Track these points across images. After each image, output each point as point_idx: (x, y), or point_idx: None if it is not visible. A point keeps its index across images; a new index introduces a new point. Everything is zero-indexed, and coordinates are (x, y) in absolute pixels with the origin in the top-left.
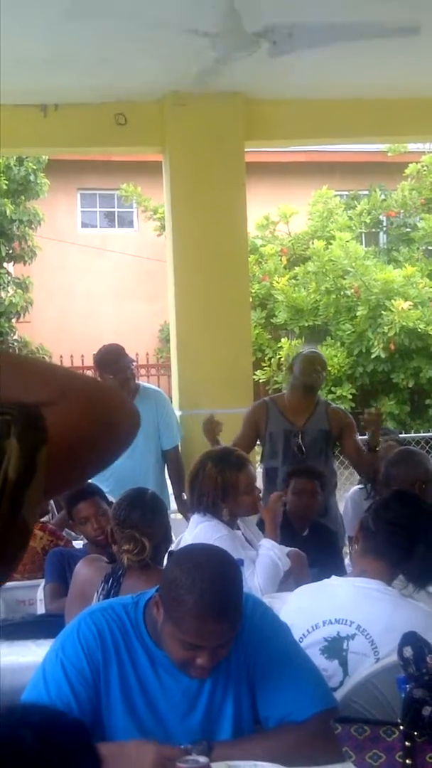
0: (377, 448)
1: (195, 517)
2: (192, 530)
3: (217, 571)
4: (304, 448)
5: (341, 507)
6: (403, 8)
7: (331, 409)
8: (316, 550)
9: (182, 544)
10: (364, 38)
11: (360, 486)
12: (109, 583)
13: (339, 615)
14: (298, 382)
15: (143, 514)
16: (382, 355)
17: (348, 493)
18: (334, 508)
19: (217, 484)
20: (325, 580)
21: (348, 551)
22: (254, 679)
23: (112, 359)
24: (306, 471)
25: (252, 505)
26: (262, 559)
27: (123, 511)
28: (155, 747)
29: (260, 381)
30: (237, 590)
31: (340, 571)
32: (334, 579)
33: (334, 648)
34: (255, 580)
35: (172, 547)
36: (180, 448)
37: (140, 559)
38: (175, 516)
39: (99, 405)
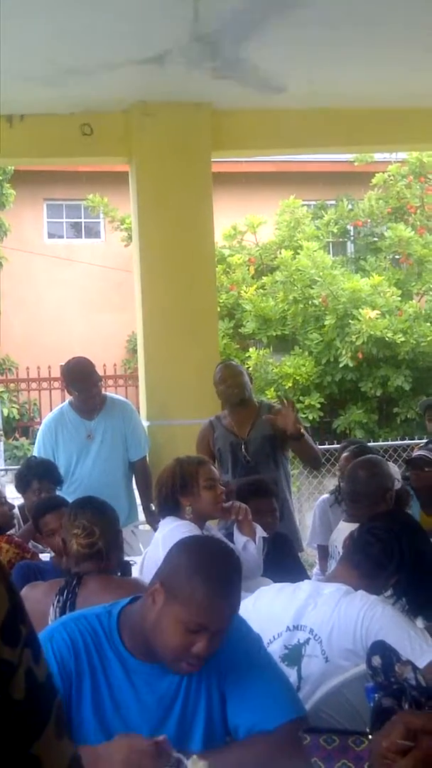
0: (300, 435)
1: (165, 519)
2: (162, 530)
3: (220, 553)
4: (248, 458)
5: (310, 516)
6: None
7: (273, 412)
8: (273, 560)
9: (152, 544)
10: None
11: (328, 494)
12: (64, 595)
13: (297, 621)
14: (226, 403)
15: (93, 512)
16: (350, 364)
17: (317, 501)
18: (289, 512)
19: (175, 475)
20: (289, 584)
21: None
22: (225, 688)
23: (81, 376)
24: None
25: (214, 503)
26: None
27: (72, 512)
28: (127, 741)
29: None
30: (238, 571)
31: (304, 576)
32: (303, 583)
33: (294, 656)
34: None
35: (141, 559)
36: (148, 459)
37: (90, 543)
38: (143, 527)
39: None
